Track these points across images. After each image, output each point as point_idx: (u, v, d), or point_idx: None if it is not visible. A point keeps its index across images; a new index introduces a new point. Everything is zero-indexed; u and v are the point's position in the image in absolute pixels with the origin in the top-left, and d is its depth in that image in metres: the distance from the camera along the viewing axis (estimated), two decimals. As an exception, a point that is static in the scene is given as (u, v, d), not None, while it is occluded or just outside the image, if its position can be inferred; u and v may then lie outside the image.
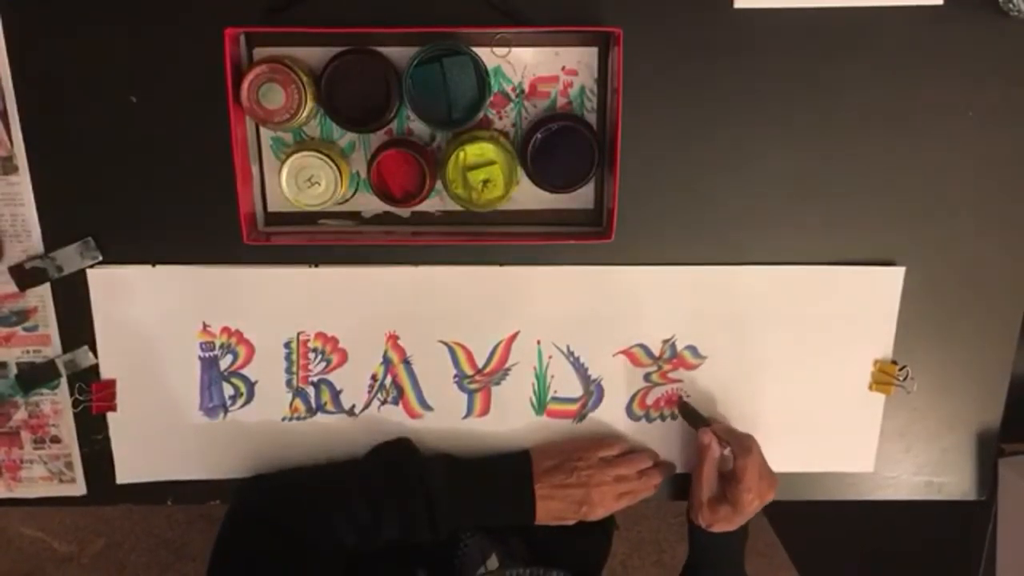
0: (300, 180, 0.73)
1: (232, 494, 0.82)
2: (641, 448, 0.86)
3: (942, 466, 0.89)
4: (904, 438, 0.88)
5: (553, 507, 0.79)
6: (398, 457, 0.82)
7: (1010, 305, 0.84)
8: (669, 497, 0.89)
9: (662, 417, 0.87)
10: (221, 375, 0.84)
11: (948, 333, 0.85)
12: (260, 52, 0.74)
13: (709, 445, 0.80)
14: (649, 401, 0.86)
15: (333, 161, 0.72)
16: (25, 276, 0.80)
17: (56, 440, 0.86)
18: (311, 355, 0.84)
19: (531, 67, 0.75)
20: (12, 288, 0.81)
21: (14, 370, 0.83)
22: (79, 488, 0.87)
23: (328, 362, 0.84)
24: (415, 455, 0.82)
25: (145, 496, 0.87)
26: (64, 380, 0.83)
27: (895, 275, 0.83)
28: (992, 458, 0.89)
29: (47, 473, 0.87)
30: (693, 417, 0.84)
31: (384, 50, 0.73)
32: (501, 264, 0.81)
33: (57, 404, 0.84)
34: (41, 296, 0.81)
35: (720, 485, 0.80)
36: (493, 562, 0.81)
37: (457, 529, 0.79)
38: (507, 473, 0.82)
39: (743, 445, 0.78)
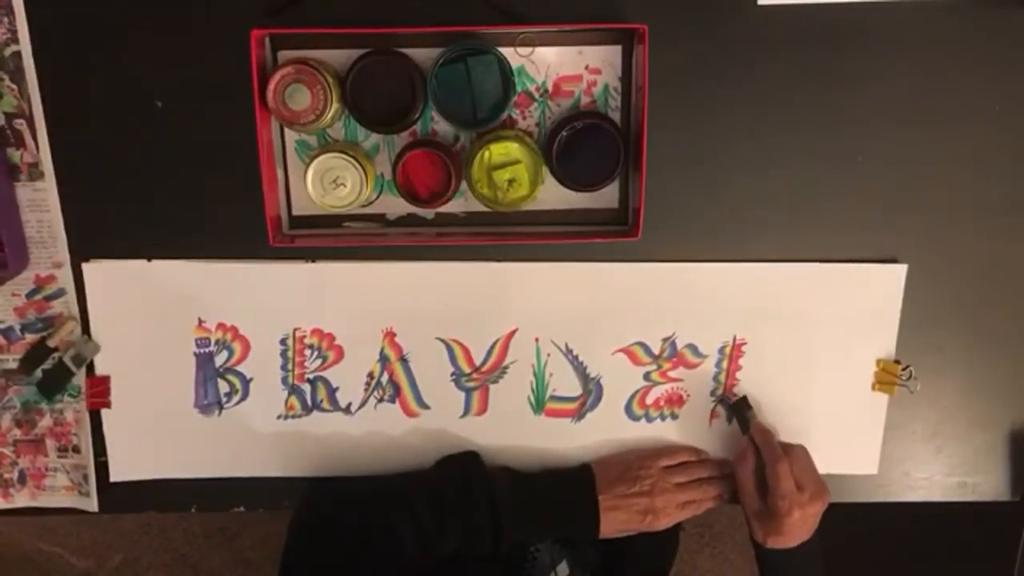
0: (326, 181, 0.73)
1: (299, 498, 0.81)
2: (705, 457, 0.85)
3: (975, 466, 0.88)
4: (935, 438, 0.87)
5: (618, 518, 0.78)
6: (464, 470, 0.80)
7: (1041, 300, 0.83)
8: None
9: (662, 417, 0.85)
10: (216, 372, 0.83)
11: (978, 331, 0.84)
12: (284, 55, 0.74)
13: (742, 455, 0.79)
14: (648, 400, 0.85)
15: (358, 162, 0.72)
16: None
17: (77, 450, 0.85)
18: (307, 352, 0.83)
19: (554, 66, 0.75)
20: (38, 296, 0.81)
21: (39, 376, 0.83)
22: (93, 501, 0.86)
23: (324, 359, 0.83)
24: (481, 468, 0.81)
25: (166, 503, 0.87)
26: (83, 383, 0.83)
27: (897, 273, 0.81)
28: (1026, 458, 0.88)
29: (69, 483, 0.86)
30: (743, 420, 0.82)
31: (407, 51, 0.73)
32: (498, 260, 0.80)
33: (78, 413, 0.84)
34: (67, 303, 0.81)
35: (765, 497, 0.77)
36: (564, 568, 0.80)
37: (518, 543, 0.78)
38: (571, 487, 0.80)
39: (774, 452, 0.76)
